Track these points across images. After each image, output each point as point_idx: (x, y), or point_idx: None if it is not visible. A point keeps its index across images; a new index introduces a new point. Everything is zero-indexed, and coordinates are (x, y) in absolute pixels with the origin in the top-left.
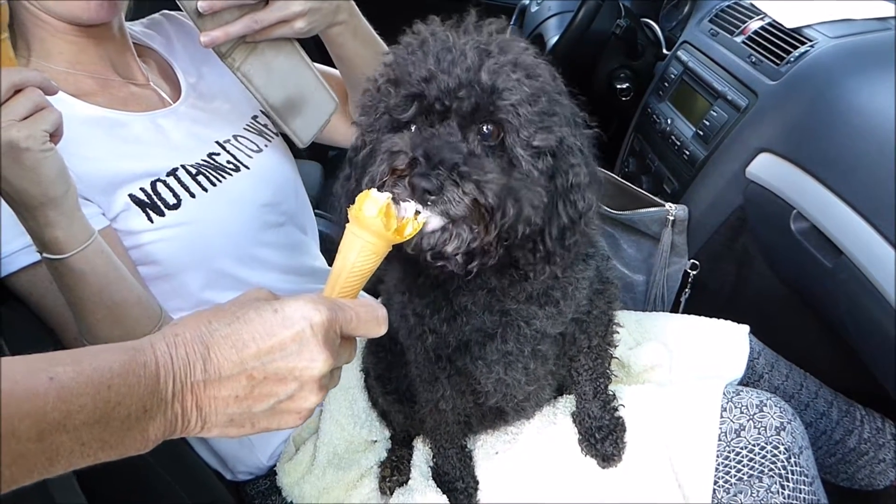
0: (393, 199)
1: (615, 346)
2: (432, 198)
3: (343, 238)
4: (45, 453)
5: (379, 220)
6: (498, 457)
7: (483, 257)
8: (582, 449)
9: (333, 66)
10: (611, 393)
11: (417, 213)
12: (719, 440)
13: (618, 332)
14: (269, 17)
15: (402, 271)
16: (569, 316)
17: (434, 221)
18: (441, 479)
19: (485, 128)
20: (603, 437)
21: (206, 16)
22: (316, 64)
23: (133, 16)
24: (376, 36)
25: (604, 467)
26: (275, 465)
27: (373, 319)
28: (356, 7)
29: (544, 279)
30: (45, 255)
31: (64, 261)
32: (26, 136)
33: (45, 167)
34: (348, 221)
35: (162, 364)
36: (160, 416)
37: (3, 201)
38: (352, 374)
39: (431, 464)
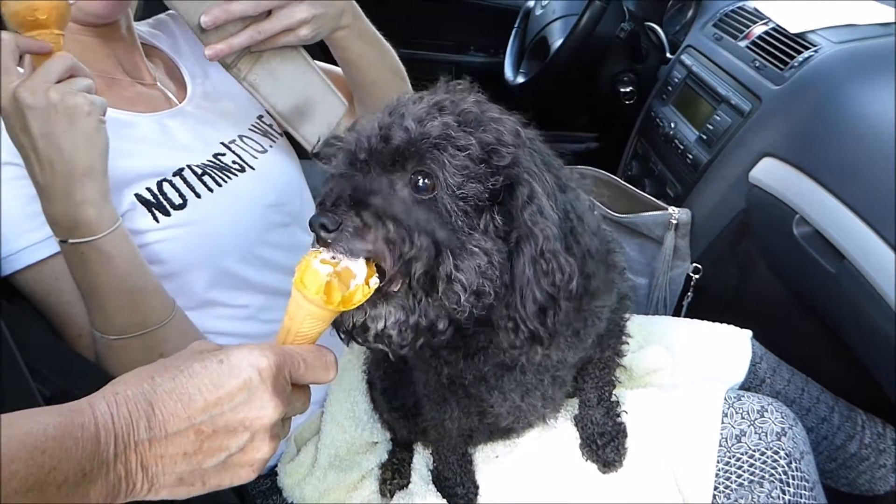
0: (335, 269)
1: (624, 356)
2: (331, 234)
3: (290, 299)
4: None
5: (320, 298)
6: (498, 461)
7: (426, 334)
8: (583, 454)
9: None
10: (614, 400)
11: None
12: (720, 445)
13: (627, 343)
14: (272, 27)
15: None
16: (590, 343)
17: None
18: (441, 483)
19: (420, 180)
20: (605, 443)
21: (209, 29)
22: (320, 63)
23: (142, 15)
24: (380, 37)
25: (605, 472)
26: (276, 466)
27: (321, 365)
28: (359, 9)
29: (535, 360)
30: (72, 240)
31: (93, 243)
32: (90, 102)
33: (100, 137)
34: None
35: (102, 424)
36: (101, 479)
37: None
38: (353, 375)
39: (431, 467)
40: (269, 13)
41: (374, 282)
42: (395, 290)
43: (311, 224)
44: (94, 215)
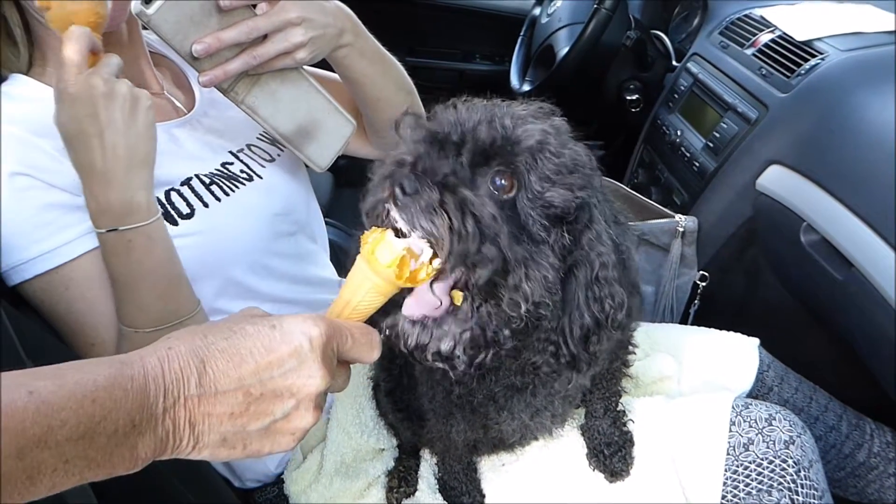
0: (408, 247)
1: (630, 366)
2: (404, 198)
3: (353, 269)
4: (25, 471)
5: (391, 271)
6: (504, 469)
7: (491, 347)
8: (590, 463)
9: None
10: (621, 409)
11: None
12: (728, 454)
13: (634, 353)
14: (268, 51)
15: None
16: (602, 365)
17: (413, 308)
18: (447, 492)
19: (498, 179)
20: (612, 453)
21: (202, 58)
22: (327, 73)
23: None
24: (385, 53)
25: (612, 482)
26: (282, 473)
27: (367, 343)
28: (362, 26)
29: (566, 386)
30: (122, 227)
31: (141, 230)
32: (147, 95)
33: (153, 127)
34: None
35: (152, 377)
36: (150, 432)
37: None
38: (359, 381)
39: (438, 477)
40: (264, 36)
41: (438, 262)
42: (459, 303)
43: (390, 177)
44: (146, 201)
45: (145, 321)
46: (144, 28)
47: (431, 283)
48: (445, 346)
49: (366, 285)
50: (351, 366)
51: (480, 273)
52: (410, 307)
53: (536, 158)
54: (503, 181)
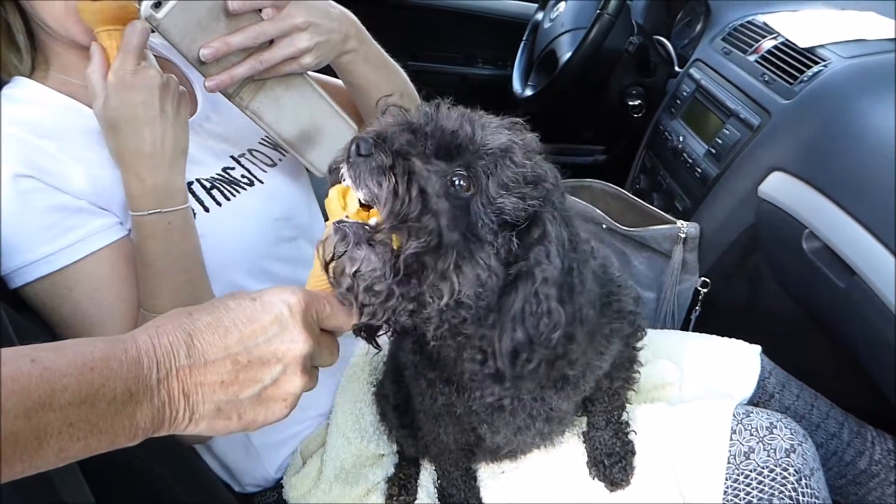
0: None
1: (635, 383)
2: (357, 158)
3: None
4: (32, 432)
5: (336, 204)
6: (504, 476)
7: (396, 313)
8: (590, 472)
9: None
10: (624, 420)
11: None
12: (729, 462)
13: (638, 372)
14: (274, 57)
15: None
16: (588, 389)
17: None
18: (446, 500)
19: (458, 179)
20: (613, 462)
21: (209, 62)
22: (329, 79)
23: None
24: (388, 59)
25: (612, 491)
26: (282, 478)
27: (344, 310)
28: (366, 32)
29: (490, 399)
30: (164, 209)
31: (180, 212)
32: (185, 91)
33: (188, 120)
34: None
35: (144, 351)
36: (146, 402)
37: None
38: (359, 387)
39: (437, 485)
40: (270, 42)
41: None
42: (394, 245)
43: (353, 139)
44: (184, 186)
45: (175, 306)
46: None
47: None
48: (352, 268)
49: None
50: (351, 371)
51: (411, 243)
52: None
53: (497, 165)
54: (462, 182)
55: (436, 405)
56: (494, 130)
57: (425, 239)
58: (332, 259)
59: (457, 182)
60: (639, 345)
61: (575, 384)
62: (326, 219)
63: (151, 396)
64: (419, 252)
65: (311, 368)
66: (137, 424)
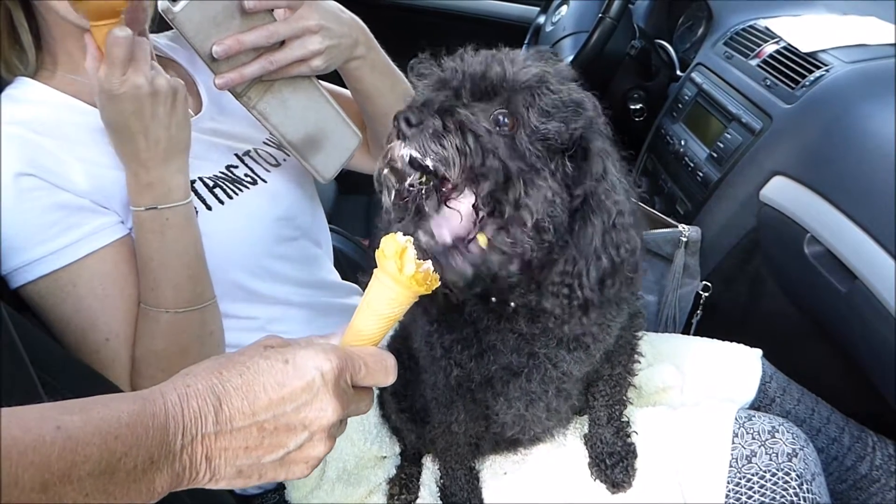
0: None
1: (635, 374)
2: (411, 130)
3: (365, 294)
4: None
5: (392, 263)
6: (506, 477)
7: (506, 245)
8: (592, 473)
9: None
10: (625, 420)
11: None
12: (730, 466)
13: (639, 362)
14: (285, 58)
15: (431, 302)
16: (597, 358)
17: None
18: (448, 499)
19: (501, 118)
20: (614, 463)
21: (220, 59)
22: (335, 87)
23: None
24: (395, 68)
25: (613, 493)
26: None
27: (381, 370)
28: (374, 40)
29: (577, 330)
30: (161, 206)
31: (178, 209)
32: (182, 84)
33: (189, 115)
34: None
35: (172, 416)
36: (167, 467)
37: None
38: None
39: (440, 483)
40: (282, 43)
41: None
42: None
43: (395, 118)
44: (184, 183)
45: (177, 301)
46: (152, 31)
47: (447, 202)
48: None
49: (376, 289)
50: None
51: (484, 186)
52: (438, 227)
53: (535, 95)
54: (506, 119)
55: (450, 379)
56: (524, 64)
57: (492, 178)
58: None
59: (501, 119)
60: (638, 333)
61: (587, 348)
62: (329, 221)
63: (173, 461)
64: (493, 191)
65: (337, 431)
66: (154, 489)
